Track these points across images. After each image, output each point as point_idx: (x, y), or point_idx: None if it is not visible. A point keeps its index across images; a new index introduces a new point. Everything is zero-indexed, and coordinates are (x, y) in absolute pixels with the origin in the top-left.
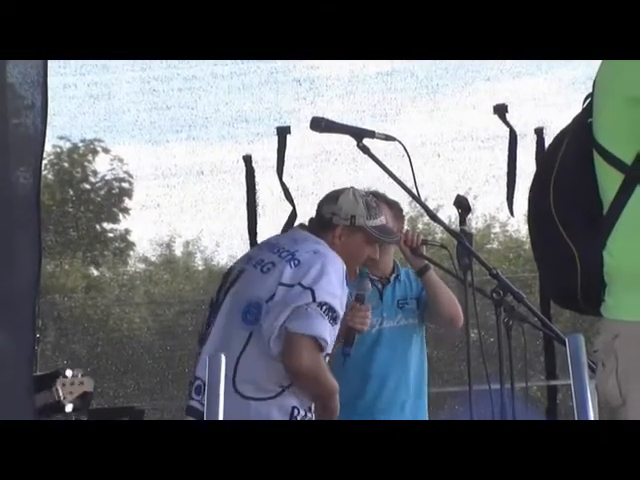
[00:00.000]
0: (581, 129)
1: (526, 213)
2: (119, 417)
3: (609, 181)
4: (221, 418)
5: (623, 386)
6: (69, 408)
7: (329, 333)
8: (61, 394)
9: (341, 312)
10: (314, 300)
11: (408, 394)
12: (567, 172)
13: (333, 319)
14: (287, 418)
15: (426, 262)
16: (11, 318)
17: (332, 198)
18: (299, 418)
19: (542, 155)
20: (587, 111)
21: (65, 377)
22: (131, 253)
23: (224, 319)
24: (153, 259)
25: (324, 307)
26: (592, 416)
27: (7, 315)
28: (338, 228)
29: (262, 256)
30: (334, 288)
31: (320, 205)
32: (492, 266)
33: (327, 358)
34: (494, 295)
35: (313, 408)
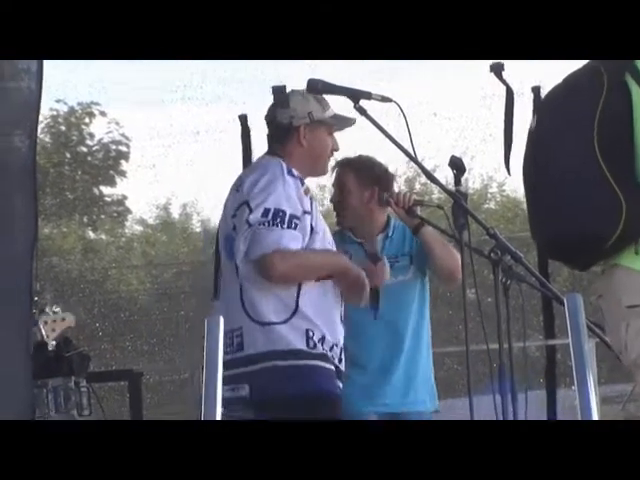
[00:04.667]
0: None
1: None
2: (117, 380)
3: None
4: (219, 379)
5: None
6: (51, 346)
7: (284, 236)
8: (44, 332)
9: (287, 206)
10: (250, 211)
11: (400, 352)
12: (611, 119)
13: (284, 221)
14: (304, 341)
15: (420, 220)
16: (10, 280)
17: (282, 103)
18: (316, 339)
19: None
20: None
21: (47, 315)
22: (128, 215)
23: (222, 266)
24: (150, 221)
25: (267, 215)
26: (590, 374)
27: (6, 278)
28: (300, 128)
29: (230, 194)
30: (269, 188)
31: (272, 115)
32: (489, 226)
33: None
34: (492, 255)
35: (328, 335)
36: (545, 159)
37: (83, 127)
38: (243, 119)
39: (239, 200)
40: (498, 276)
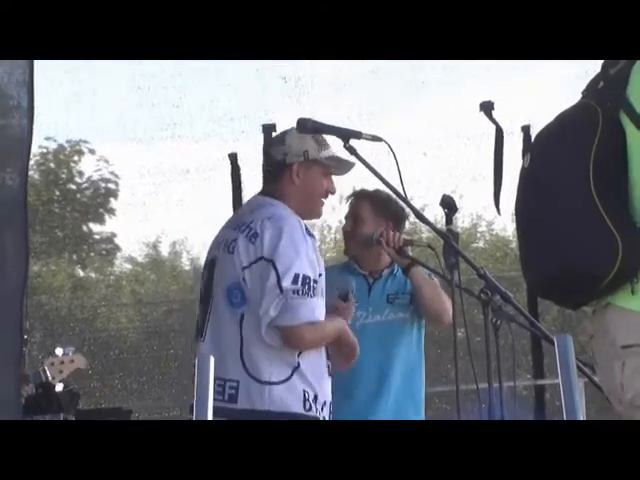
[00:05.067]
0: (614, 119)
1: (516, 208)
2: (107, 417)
3: None
4: (210, 418)
5: None
6: (59, 387)
7: (315, 307)
8: (49, 374)
9: (311, 271)
10: (279, 276)
11: (389, 390)
12: (606, 157)
13: (311, 288)
14: (301, 403)
15: (411, 260)
16: (0, 318)
17: (278, 140)
18: (310, 400)
19: (570, 137)
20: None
21: (55, 356)
22: (117, 253)
23: (214, 311)
24: (139, 259)
25: (297, 282)
26: (581, 415)
27: None
28: (294, 166)
29: (227, 235)
30: (294, 249)
31: (267, 152)
32: (479, 265)
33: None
34: (482, 295)
35: (319, 393)
36: (539, 198)
37: (72, 165)
38: (233, 157)
39: (256, 254)
40: (488, 316)
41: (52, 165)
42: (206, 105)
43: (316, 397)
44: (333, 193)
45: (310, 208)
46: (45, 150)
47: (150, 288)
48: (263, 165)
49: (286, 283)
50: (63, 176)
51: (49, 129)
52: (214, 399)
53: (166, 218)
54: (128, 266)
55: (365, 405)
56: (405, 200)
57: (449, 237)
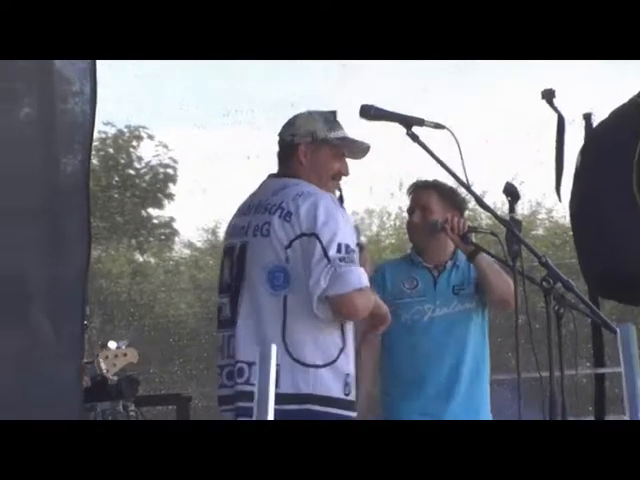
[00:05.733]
0: None
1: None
2: (166, 404)
3: None
4: (271, 415)
5: None
6: (113, 380)
7: (362, 274)
8: (103, 367)
9: (350, 240)
10: (324, 247)
11: (460, 381)
12: None
13: (354, 255)
14: (342, 387)
15: (475, 247)
16: (62, 304)
17: (289, 123)
18: (351, 384)
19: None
20: None
21: (108, 350)
22: (176, 239)
23: (249, 295)
24: (198, 244)
25: (342, 251)
26: None
27: (58, 302)
28: (301, 146)
29: (255, 220)
30: (333, 221)
31: (280, 134)
32: (541, 253)
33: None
34: (544, 284)
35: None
36: (588, 197)
37: (131, 150)
38: None
39: (295, 231)
40: (550, 304)
41: (111, 150)
42: (266, 92)
43: (352, 379)
44: (346, 175)
45: (321, 188)
46: (104, 135)
47: (209, 274)
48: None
49: (332, 253)
50: (122, 161)
51: (108, 114)
52: (254, 385)
53: (225, 204)
54: (187, 252)
55: (436, 403)
56: (468, 188)
57: (512, 225)
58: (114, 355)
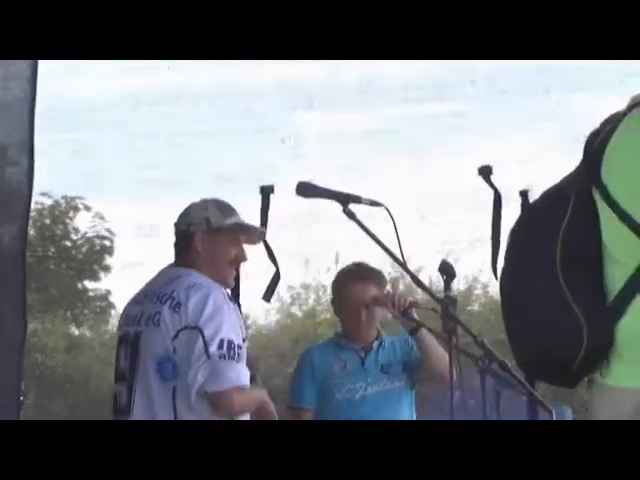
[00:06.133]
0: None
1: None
2: None
3: (630, 249)
4: None
5: None
6: None
7: (241, 372)
8: None
9: (235, 336)
10: (205, 342)
11: None
12: (578, 230)
13: (236, 353)
14: None
15: (416, 322)
16: None
17: (184, 212)
18: None
19: (543, 201)
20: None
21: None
22: (112, 311)
23: (141, 388)
24: None
25: (223, 347)
26: None
27: None
28: (197, 235)
29: (148, 309)
30: (219, 315)
31: (176, 224)
32: (477, 331)
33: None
34: (479, 363)
35: None
36: (514, 276)
37: (68, 221)
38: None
39: (181, 323)
40: (485, 383)
41: (47, 221)
42: (205, 166)
43: None
44: (244, 260)
45: (220, 276)
46: (41, 206)
47: None
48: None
49: (212, 348)
50: (59, 232)
51: (45, 186)
52: None
53: None
54: None
55: None
56: (404, 265)
57: (447, 303)
58: None
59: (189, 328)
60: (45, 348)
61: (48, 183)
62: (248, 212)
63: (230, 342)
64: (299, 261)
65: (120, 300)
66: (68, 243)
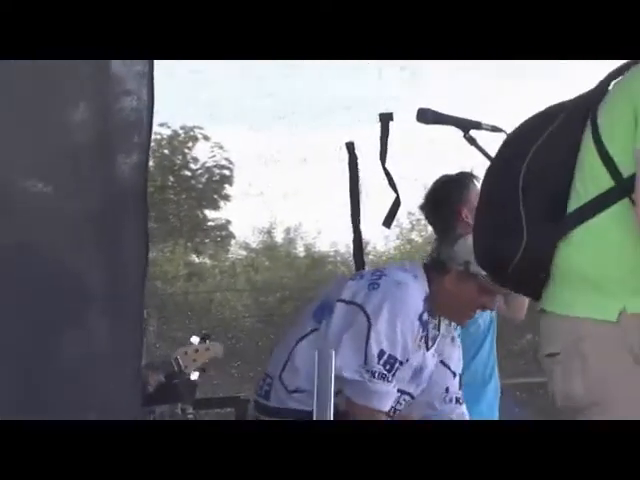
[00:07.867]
0: (579, 116)
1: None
2: (224, 407)
3: (594, 181)
4: (331, 417)
5: (596, 387)
6: (194, 376)
7: (386, 396)
8: (182, 363)
9: (398, 355)
10: (368, 343)
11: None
12: (549, 154)
13: (388, 372)
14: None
15: None
16: (120, 307)
17: (451, 240)
18: None
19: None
20: (585, 99)
21: (189, 345)
22: (232, 240)
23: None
24: (254, 246)
25: (380, 361)
26: None
27: (116, 304)
28: (452, 272)
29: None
30: (391, 327)
31: (438, 246)
32: None
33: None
34: None
35: None
36: (487, 177)
37: (187, 151)
38: (350, 146)
39: (358, 298)
40: None
41: (166, 151)
42: (323, 94)
43: None
44: (491, 309)
45: (457, 316)
46: (160, 136)
47: (265, 275)
48: None
49: (370, 359)
50: (178, 162)
51: (163, 116)
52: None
53: (281, 205)
54: (243, 253)
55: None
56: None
57: None
58: (194, 350)
59: (364, 316)
60: (166, 276)
61: (166, 113)
62: (366, 140)
63: (390, 357)
64: (418, 187)
65: (240, 229)
66: (187, 173)
